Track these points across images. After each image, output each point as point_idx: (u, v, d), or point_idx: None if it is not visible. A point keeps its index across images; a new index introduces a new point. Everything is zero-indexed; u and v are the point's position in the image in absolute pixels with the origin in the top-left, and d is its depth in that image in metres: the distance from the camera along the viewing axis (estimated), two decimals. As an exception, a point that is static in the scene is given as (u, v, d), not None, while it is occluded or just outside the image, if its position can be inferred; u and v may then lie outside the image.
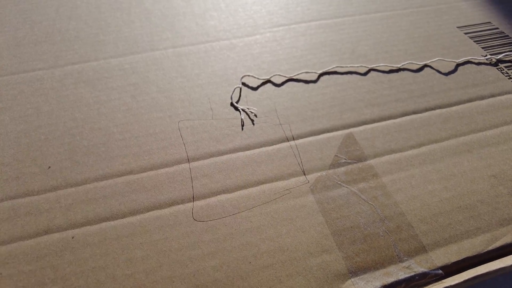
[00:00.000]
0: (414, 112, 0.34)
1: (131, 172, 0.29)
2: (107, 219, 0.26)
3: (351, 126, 0.32)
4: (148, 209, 0.27)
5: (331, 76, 0.37)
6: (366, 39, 0.42)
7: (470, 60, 0.40)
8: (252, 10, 0.46)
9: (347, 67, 0.38)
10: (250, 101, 0.34)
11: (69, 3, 0.46)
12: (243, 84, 0.36)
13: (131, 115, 0.33)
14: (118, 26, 0.43)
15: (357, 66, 0.38)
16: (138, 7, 0.46)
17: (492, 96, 0.36)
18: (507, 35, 0.43)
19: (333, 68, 0.37)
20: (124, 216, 0.26)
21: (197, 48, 0.40)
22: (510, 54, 0.40)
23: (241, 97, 0.35)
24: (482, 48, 0.41)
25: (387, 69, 0.38)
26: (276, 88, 0.36)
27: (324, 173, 0.29)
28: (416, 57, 0.39)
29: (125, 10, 0.45)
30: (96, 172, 0.29)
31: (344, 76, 0.37)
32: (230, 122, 0.32)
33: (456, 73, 0.38)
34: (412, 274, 0.23)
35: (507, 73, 0.38)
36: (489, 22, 0.45)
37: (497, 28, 0.44)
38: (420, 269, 0.23)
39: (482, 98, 0.36)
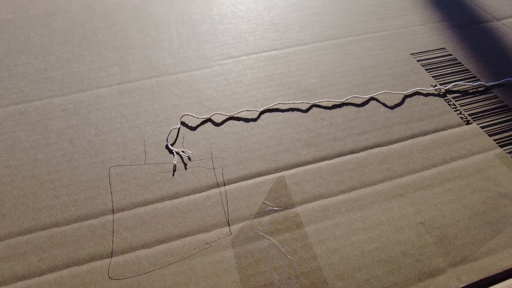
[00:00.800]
0: (352, 152, 0.33)
1: (56, 225, 0.29)
2: (23, 277, 0.26)
3: (284, 169, 0.32)
4: (67, 266, 0.27)
5: (272, 113, 0.37)
6: (315, 70, 0.41)
7: (418, 91, 0.39)
8: (204, 40, 0.45)
9: (289, 103, 0.37)
10: (187, 142, 0.34)
11: (22, 35, 0.46)
12: (182, 123, 0.36)
13: (65, 161, 0.33)
14: (67, 60, 0.43)
15: (299, 103, 0.37)
16: (91, 39, 0.46)
17: (436, 131, 0.35)
18: (459, 62, 0.42)
19: (275, 105, 0.37)
20: (41, 273, 0.26)
21: (142, 83, 0.40)
22: (458, 84, 0.39)
23: (177, 139, 0.34)
24: (433, 77, 0.41)
25: (330, 104, 0.37)
26: (216, 127, 0.35)
27: (248, 222, 0.28)
28: (363, 89, 0.39)
29: (77, 42, 0.45)
30: (21, 226, 0.29)
31: (285, 113, 0.37)
32: (162, 166, 0.32)
33: (402, 106, 0.37)
34: None
35: (454, 104, 0.38)
36: (443, 48, 0.44)
37: (450, 55, 0.43)
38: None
39: (426, 133, 0.35)
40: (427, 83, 0.40)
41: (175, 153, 0.33)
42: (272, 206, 0.29)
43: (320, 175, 0.31)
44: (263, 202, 0.29)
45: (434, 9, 0.50)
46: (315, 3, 0.51)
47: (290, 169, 0.32)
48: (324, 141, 0.34)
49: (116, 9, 0.50)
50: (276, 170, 0.32)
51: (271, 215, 0.29)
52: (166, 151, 0.33)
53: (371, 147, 0.34)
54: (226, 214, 0.29)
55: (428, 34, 0.46)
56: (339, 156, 0.33)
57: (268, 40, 0.45)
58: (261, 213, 0.29)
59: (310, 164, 0.32)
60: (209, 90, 0.39)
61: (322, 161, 0.32)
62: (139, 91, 0.39)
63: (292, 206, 0.29)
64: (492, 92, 0.39)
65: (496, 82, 0.40)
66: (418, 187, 0.31)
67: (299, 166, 0.32)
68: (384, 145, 0.34)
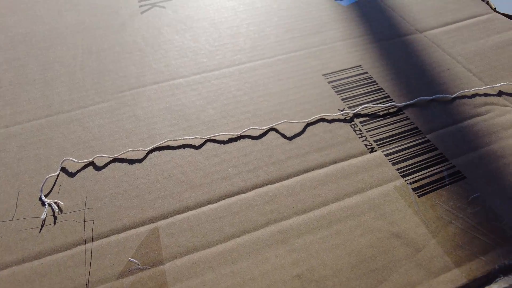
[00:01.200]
0: (239, 192, 0.31)
1: None
2: None
3: (161, 217, 0.29)
4: None
5: (161, 152, 0.34)
6: (216, 100, 0.38)
7: (323, 117, 0.36)
8: (107, 71, 0.43)
9: (181, 139, 0.34)
10: (63, 190, 0.31)
11: None
12: (62, 169, 0.33)
13: None
14: (-41, 102, 0.40)
15: (192, 138, 0.34)
16: (-10, 76, 0.43)
17: (334, 162, 0.33)
18: (374, 81, 0.40)
19: (166, 142, 0.34)
20: None
21: (32, 125, 0.37)
22: (367, 107, 0.37)
23: (54, 187, 0.32)
24: (342, 99, 0.38)
25: (225, 138, 0.35)
26: (96, 172, 0.33)
27: (109, 285, 0.26)
28: (265, 118, 0.36)
29: (-26, 81, 0.43)
30: None
31: (176, 151, 0.34)
32: (31, 222, 0.29)
33: (302, 136, 0.35)
34: None
35: (360, 130, 0.35)
36: (360, 66, 0.42)
37: (366, 73, 0.41)
38: None
39: (322, 166, 0.32)
40: (334, 108, 0.37)
41: (46, 206, 0.30)
42: (138, 265, 0.26)
43: (199, 222, 0.29)
44: (129, 260, 0.27)
45: (357, 23, 0.48)
46: (231, 24, 0.49)
47: (168, 217, 0.29)
48: (212, 181, 0.31)
49: (21, 40, 0.47)
50: (152, 220, 0.29)
51: (136, 274, 0.26)
52: (40, 203, 0.31)
53: (260, 186, 0.31)
54: (87, 276, 0.26)
55: (346, 50, 0.44)
56: (224, 199, 0.30)
57: (174, 67, 0.42)
58: (124, 273, 0.26)
59: (191, 210, 0.30)
60: (98, 128, 0.36)
61: (205, 205, 0.30)
62: (27, 133, 0.36)
63: (161, 263, 0.27)
64: (404, 113, 0.37)
65: (409, 102, 0.37)
66: (303, 231, 0.28)
67: (179, 213, 0.29)
68: (275, 182, 0.31)
